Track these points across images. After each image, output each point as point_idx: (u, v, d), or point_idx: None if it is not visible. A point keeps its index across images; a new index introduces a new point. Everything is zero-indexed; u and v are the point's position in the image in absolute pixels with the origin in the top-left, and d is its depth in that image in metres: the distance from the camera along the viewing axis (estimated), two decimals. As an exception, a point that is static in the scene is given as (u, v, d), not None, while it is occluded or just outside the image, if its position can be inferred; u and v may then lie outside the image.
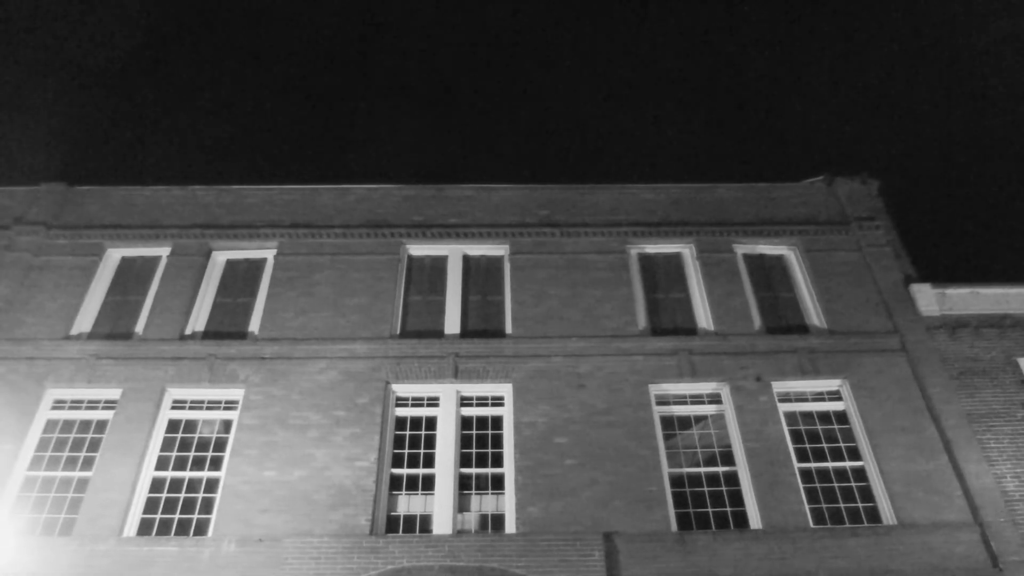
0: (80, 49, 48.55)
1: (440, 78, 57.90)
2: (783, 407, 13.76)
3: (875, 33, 51.73)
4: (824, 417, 13.77)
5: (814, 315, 15.17)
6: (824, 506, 12.67)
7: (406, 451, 13.20)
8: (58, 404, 13.65)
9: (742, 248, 16.25)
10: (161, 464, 12.94)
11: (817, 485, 12.90)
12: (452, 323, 14.90)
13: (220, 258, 15.96)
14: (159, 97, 51.54)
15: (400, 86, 57.32)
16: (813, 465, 13.10)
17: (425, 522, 12.42)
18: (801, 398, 14.00)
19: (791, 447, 13.21)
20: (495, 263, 16.05)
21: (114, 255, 15.94)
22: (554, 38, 57.16)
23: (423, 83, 57.32)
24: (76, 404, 13.66)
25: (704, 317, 15.09)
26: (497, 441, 13.36)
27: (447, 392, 13.82)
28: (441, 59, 58.32)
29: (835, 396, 14.01)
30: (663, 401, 13.88)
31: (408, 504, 12.64)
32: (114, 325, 14.87)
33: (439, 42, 57.65)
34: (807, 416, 13.77)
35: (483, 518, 12.54)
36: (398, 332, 14.75)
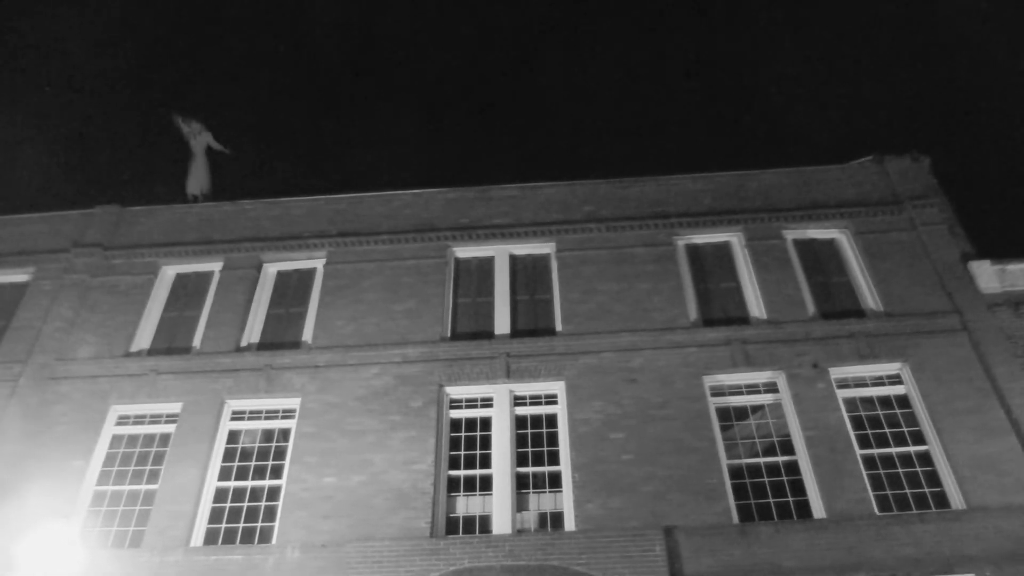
0: (77, 57, 49.60)
1: (442, 78, 58.07)
2: (842, 393, 13.51)
3: (918, 6, 50.55)
4: (885, 402, 13.49)
5: (869, 298, 14.86)
6: (889, 493, 12.40)
7: (462, 453, 13.25)
8: (122, 420, 14.01)
9: (792, 234, 15.99)
10: (224, 474, 13.20)
11: (881, 471, 12.64)
12: (502, 323, 14.93)
13: (271, 270, 16.22)
14: (156, 104, 52.44)
15: (399, 89, 57.63)
16: (876, 451, 12.84)
17: (484, 522, 12.46)
18: (860, 383, 13.73)
19: (852, 434, 12.95)
20: (542, 261, 16.04)
21: (169, 272, 16.30)
22: (551, 36, 56.96)
23: (423, 85, 57.54)
24: (139, 419, 14.01)
25: (756, 305, 14.88)
26: (552, 439, 13.35)
27: (500, 392, 13.85)
28: (441, 59, 58.51)
29: (895, 380, 13.70)
30: (718, 392, 13.73)
31: (466, 505, 12.69)
32: (172, 340, 15.21)
33: (439, 42, 57.80)
34: (867, 401, 13.50)
35: (542, 516, 12.53)
36: (449, 335, 14.83)
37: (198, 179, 18.46)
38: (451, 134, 56.98)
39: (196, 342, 15.04)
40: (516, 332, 14.82)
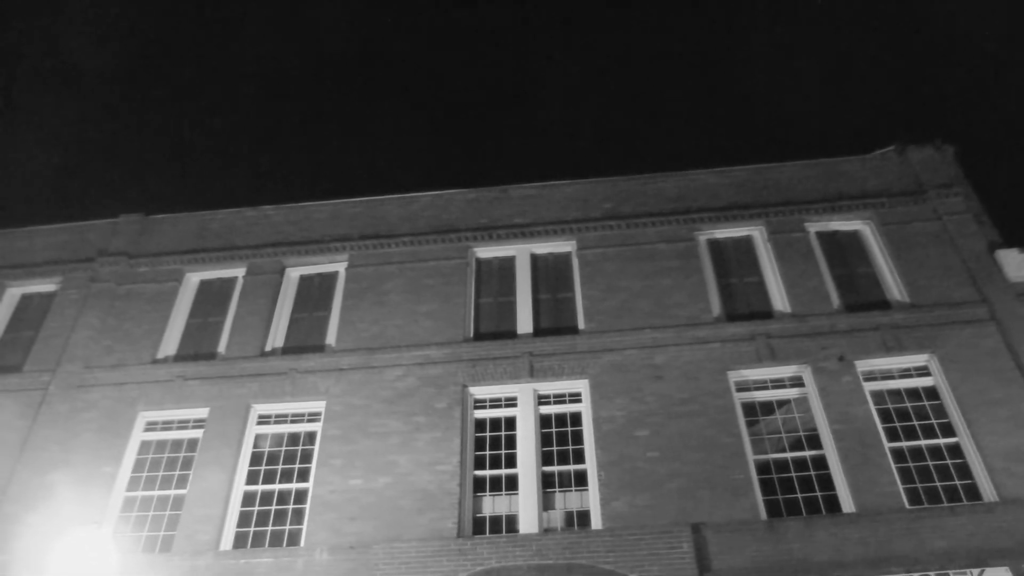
0: (77, 54, 49.96)
1: (441, 79, 58.07)
2: (869, 386, 13.37)
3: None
4: (913, 394, 13.34)
5: (895, 289, 14.71)
6: (919, 485, 12.26)
7: (487, 453, 13.26)
8: (150, 426, 14.15)
9: (814, 226, 15.86)
10: (251, 478, 13.29)
11: (910, 464, 12.50)
12: (524, 322, 14.92)
13: (294, 274, 16.31)
14: (155, 105, 52.80)
15: (398, 90, 57.71)
16: (905, 444, 12.70)
17: (511, 522, 12.46)
18: (887, 376, 13.59)
19: (880, 426, 12.82)
20: (563, 259, 16.02)
21: (193, 279, 16.45)
22: (545, 35, 56.74)
23: (421, 86, 57.57)
24: (167, 425, 14.14)
25: (780, 299, 14.78)
26: (577, 438, 13.32)
27: (524, 391, 13.84)
28: (439, 60, 58.48)
29: (923, 371, 13.55)
30: (743, 387, 13.64)
31: (493, 505, 12.70)
32: (198, 346, 15.34)
33: (438, 42, 57.77)
34: (895, 394, 13.36)
35: (568, 515, 12.51)
36: (471, 335, 14.84)
37: None
38: (450, 135, 57.06)
39: (221, 347, 15.16)
40: (539, 331, 14.80)
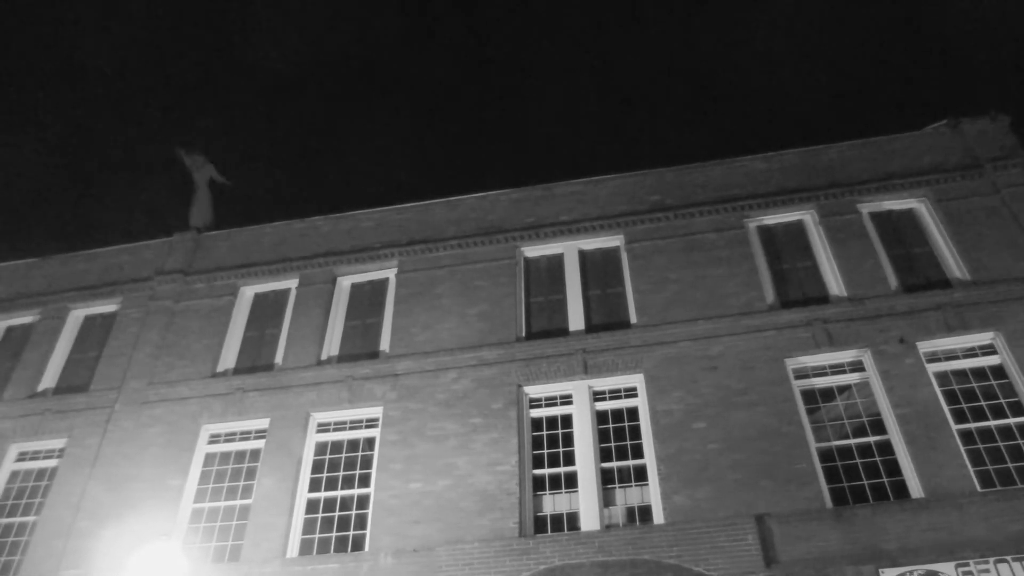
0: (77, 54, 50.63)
1: (436, 81, 57.96)
2: (932, 367, 13.05)
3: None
4: (979, 373, 12.97)
5: (955, 267, 14.32)
6: (991, 467, 11.91)
7: (545, 451, 13.25)
8: (214, 438, 14.44)
9: (867, 207, 15.52)
10: (314, 485, 13.47)
11: (980, 446, 12.16)
12: (576, 319, 14.88)
13: (345, 283, 16.50)
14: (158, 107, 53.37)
15: (393, 93, 57.70)
16: (973, 425, 12.36)
17: (572, 520, 12.43)
18: (951, 356, 13.23)
19: (946, 408, 12.50)
20: (612, 254, 15.93)
21: (247, 292, 16.74)
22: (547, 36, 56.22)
23: (417, 88, 57.47)
24: (230, 437, 14.41)
25: (835, 283, 14.50)
26: (635, 432, 13.24)
27: (579, 388, 13.80)
28: (435, 61, 58.33)
29: (988, 350, 13.17)
30: (802, 375, 13.41)
31: (553, 504, 12.68)
32: (256, 358, 15.61)
33: (432, 44, 57.58)
34: (960, 374, 13.01)
35: (630, 511, 12.44)
36: (523, 334, 14.85)
37: (201, 211, 18.66)
38: (446, 137, 57.04)
39: (278, 358, 15.40)
40: (591, 327, 14.74)
